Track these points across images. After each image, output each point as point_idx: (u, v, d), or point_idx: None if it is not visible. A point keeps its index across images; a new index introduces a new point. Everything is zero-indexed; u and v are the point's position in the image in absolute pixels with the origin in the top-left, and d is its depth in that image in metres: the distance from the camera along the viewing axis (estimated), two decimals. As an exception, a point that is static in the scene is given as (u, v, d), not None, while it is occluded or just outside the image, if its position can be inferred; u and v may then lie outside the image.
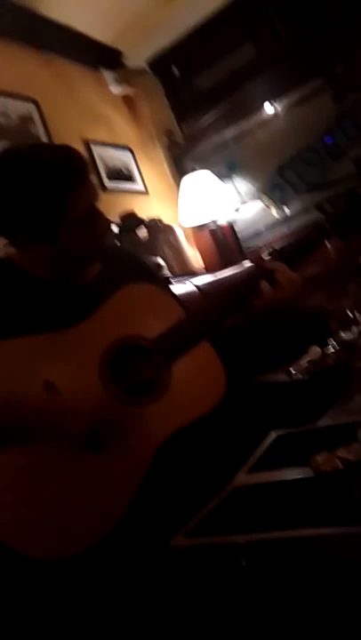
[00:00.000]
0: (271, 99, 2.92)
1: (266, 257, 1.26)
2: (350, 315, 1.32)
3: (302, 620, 0.73)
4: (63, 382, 1.05)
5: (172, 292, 1.37)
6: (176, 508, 0.97)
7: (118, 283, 1.22)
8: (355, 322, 1.32)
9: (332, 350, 1.79)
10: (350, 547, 0.66)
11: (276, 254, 1.25)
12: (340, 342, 1.39)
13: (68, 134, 2.70)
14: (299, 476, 0.87)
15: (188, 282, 2.46)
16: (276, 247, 1.27)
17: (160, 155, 3.25)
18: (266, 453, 1.08)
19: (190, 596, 0.83)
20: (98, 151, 2.86)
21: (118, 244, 2.44)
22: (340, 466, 0.77)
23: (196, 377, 1.15)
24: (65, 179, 1.11)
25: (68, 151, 1.16)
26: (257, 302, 1.20)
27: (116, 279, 1.25)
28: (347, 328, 1.36)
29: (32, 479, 1.00)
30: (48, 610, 0.97)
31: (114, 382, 1.09)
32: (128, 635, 0.92)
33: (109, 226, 1.23)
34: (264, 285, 1.20)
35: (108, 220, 1.22)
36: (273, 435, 1.16)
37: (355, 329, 1.28)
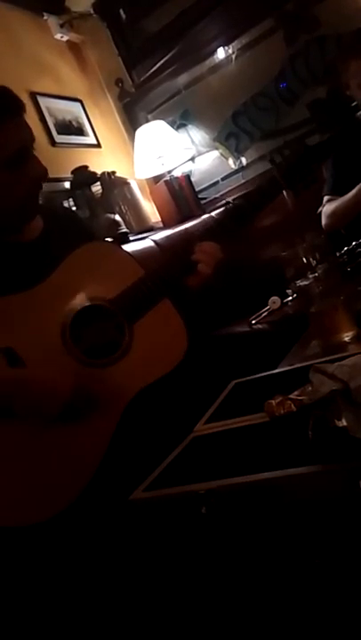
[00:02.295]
0: (222, 42, 2.83)
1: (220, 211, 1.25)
2: (305, 261, 1.32)
3: (262, 562, 0.75)
4: (24, 348, 1.02)
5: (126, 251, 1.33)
6: (141, 462, 0.97)
7: (69, 242, 1.19)
8: (310, 268, 1.32)
9: (290, 298, 1.81)
10: (306, 487, 0.68)
11: (231, 210, 1.23)
12: (297, 289, 1.39)
13: (13, 86, 2.52)
14: (255, 422, 0.88)
15: (147, 238, 2.43)
16: (231, 200, 1.25)
17: (111, 105, 3.13)
18: (224, 401, 1.09)
19: (152, 547, 0.84)
20: (45, 104, 2.72)
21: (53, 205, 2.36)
22: (294, 408, 0.78)
23: (158, 336, 1.15)
24: None
25: (4, 90, 1.10)
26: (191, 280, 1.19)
27: (64, 238, 1.22)
28: (303, 275, 1.36)
29: (2, 448, 0.99)
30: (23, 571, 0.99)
31: (76, 345, 1.07)
32: (91, 591, 0.94)
33: (45, 173, 1.14)
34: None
35: (43, 167, 1.14)
36: (232, 383, 1.17)
37: (310, 275, 1.28)
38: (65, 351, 1.06)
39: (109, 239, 1.96)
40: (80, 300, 1.11)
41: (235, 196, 1.29)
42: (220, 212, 1.26)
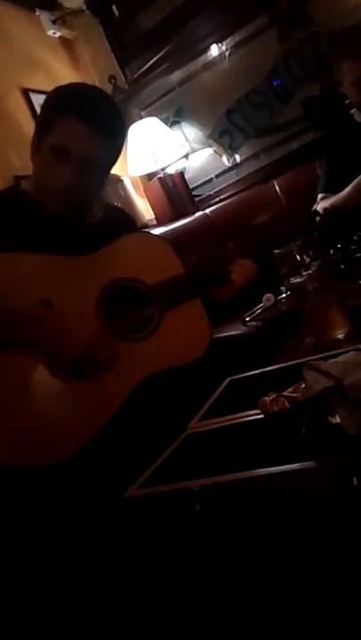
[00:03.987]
0: (216, 39, 2.82)
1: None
2: (299, 259, 1.32)
3: (256, 558, 0.75)
4: (60, 304, 1.09)
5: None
6: (136, 460, 0.98)
7: (122, 231, 1.29)
8: (304, 265, 1.32)
9: (284, 296, 1.81)
10: (300, 484, 0.68)
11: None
12: (291, 287, 1.39)
13: (5, 83, 2.55)
14: (249, 419, 0.88)
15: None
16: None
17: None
18: (218, 398, 1.09)
19: (146, 544, 0.84)
20: (38, 100, 2.69)
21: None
22: (288, 405, 0.78)
23: (183, 330, 1.23)
24: (67, 103, 1.15)
25: (97, 99, 1.21)
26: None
27: (119, 228, 1.32)
28: (297, 273, 1.36)
29: (13, 391, 1.03)
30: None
31: (107, 316, 1.15)
32: (86, 587, 0.94)
33: (70, 184, 1.20)
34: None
35: (72, 182, 1.18)
36: (226, 380, 1.17)
37: (304, 273, 1.28)
38: (95, 316, 1.13)
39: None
40: (122, 278, 1.19)
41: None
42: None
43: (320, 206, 2.04)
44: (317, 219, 1.59)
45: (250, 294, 1.96)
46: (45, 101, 1.21)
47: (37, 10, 2.87)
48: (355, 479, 0.61)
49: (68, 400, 1.06)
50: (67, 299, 1.10)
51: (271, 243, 1.37)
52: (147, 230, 1.45)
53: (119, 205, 2.63)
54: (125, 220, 1.50)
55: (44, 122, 1.19)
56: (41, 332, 1.04)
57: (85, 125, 1.13)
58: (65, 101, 1.16)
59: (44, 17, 2.90)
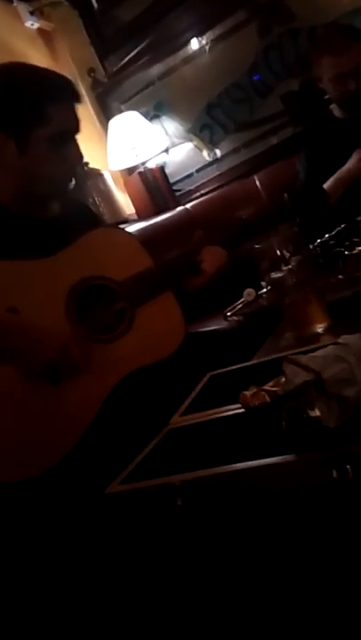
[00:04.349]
0: (195, 32, 2.80)
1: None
2: (279, 254, 1.32)
3: (238, 552, 0.76)
4: (27, 311, 1.05)
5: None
6: (118, 455, 0.98)
7: (83, 226, 1.24)
8: (284, 260, 1.33)
9: (265, 290, 1.81)
10: (280, 477, 0.68)
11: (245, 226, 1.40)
12: (271, 281, 1.40)
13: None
14: (230, 413, 0.89)
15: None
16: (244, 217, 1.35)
17: (83, 95, 3.07)
18: (200, 393, 1.09)
19: (128, 539, 0.84)
20: (16, 92, 2.67)
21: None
22: (268, 399, 0.79)
23: (158, 324, 1.21)
24: (55, 88, 1.14)
25: (69, 79, 1.21)
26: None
27: (79, 222, 1.28)
28: (277, 267, 1.37)
29: None
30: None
31: (78, 317, 1.12)
32: (69, 585, 0.94)
33: (81, 160, 1.25)
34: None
35: (80, 154, 1.22)
36: (207, 375, 1.17)
37: (284, 267, 1.29)
38: (65, 318, 1.10)
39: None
40: (89, 277, 1.16)
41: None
42: (234, 226, 1.41)
43: (300, 201, 2.05)
44: (285, 195, 1.53)
45: (230, 289, 1.98)
46: (18, 99, 1.13)
47: (15, 0, 2.83)
48: (335, 471, 0.61)
49: (46, 408, 1.04)
50: (33, 304, 1.07)
51: (250, 218, 1.36)
52: (110, 224, 1.42)
53: (98, 199, 2.64)
54: (84, 212, 1.46)
55: (28, 119, 1.13)
56: (9, 340, 1.01)
57: (69, 101, 1.16)
58: (48, 90, 1.14)
59: (21, 8, 2.85)
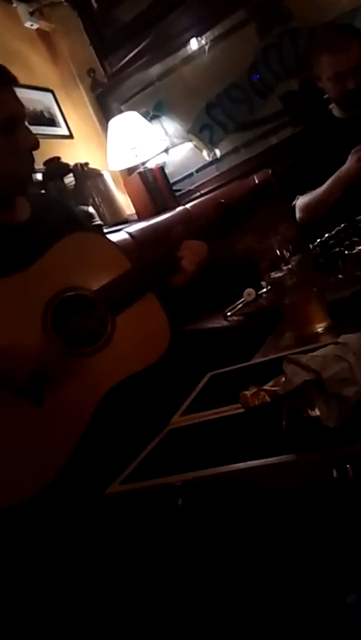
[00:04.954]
0: (195, 32, 2.81)
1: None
2: (279, 254, 1.32)
3: (238, 552, 0.76)
4: (1, 331, 1.03)
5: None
6: (118, 455, 0.98)
7: (56, 229, 1.19)
8: (284, 260, 1.33)
9: (265, 290, 1.82)
10: (281, 477, 0.69)
11: (224, 209, 1.26)
12: (271, 281, 1.40)
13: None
14: (230, 413, 0.89)
15: (122, 231, 2.41)
16: (224, 201, 1.28)
17: (83, 96, 3.08)
18: (200, 393, 1.09)
19: (129, 539, 0.84)
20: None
21: (43, 192, 2.34)
22: (268, 399, 0.79)
23: (141, 329, 1.16)
24: None
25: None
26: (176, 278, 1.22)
27: (52, 226, 1.22)
28: (277, 267, 1.37)
29: None
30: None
31: (56, 332, 1.08)
32: (69, 585, 0.94)
33: (36, 143, 1.16)
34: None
35: (34, 137, 1.16)
36: (208, 375, 1.18)
37: (284, 267, 1.29)
38: (43, 337, 1.06)
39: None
40: (64, 289, 1.11)
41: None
42: (213, 212, 1.28)
43: (300, 201, 2.05)
44: (269, 173, 1.46)
45: (230, 289, 1.98)
46: None
47: (14, 1, 2.83)
48: (335, 471, 0.61)
49: (33, 430, 1.02)
50: (8, 322, 1.04)
51: (230, 202, 1.29)
52: (82, 230, 1.31)
53: (98, 199, 2.63)
54: (60, 211, 1.38)
55: None
56: None
57: (8, 85, 1.13)
58: None
59: (21, 9, 2.86)
